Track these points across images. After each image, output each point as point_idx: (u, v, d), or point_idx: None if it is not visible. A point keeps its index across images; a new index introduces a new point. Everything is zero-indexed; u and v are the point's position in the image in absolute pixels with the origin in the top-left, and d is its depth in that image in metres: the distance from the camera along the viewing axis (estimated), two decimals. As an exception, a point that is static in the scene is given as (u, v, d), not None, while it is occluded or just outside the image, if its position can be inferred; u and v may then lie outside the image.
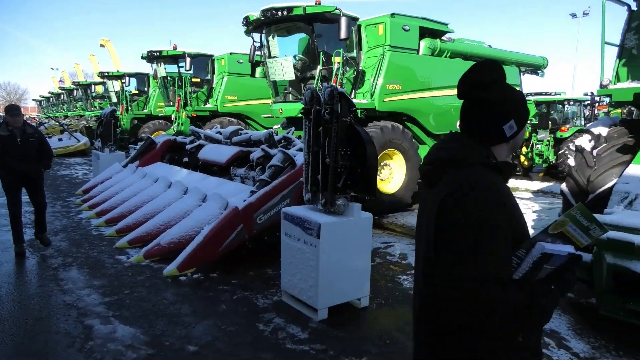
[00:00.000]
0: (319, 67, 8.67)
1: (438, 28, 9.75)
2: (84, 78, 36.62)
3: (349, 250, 4.15)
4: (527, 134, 13.45)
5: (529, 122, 13.81)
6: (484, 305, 1.21)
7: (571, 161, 5.51)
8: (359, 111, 8.36)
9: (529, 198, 11.11)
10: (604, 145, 5.30)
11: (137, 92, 20.09)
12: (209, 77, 15.27)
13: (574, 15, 38.07)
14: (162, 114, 16.88)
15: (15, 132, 5.62)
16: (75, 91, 28.91)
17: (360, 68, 9.02)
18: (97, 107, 24.45)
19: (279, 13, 8.46)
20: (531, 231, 6.41)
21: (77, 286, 4.75)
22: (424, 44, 9.56)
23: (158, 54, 14.46)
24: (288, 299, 4.42)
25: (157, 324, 3.94)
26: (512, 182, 12.53)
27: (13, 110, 5.69)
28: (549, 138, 14.25)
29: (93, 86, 25.66)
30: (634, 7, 5.54)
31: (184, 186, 7.29)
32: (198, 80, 14.91)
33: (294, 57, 9.53)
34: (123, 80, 19.18)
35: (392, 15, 8.86)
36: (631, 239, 3.67)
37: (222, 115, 14.35)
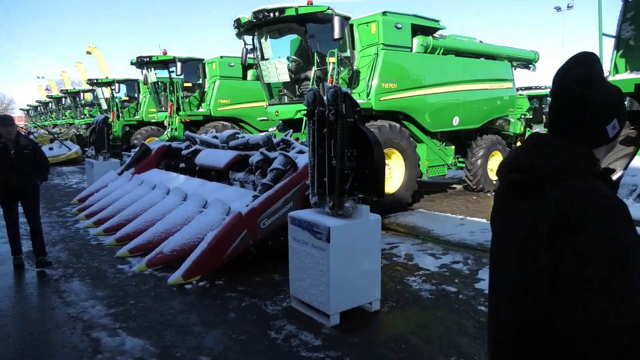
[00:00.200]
0: (314, 68, 8.61)
1: (430, 25, 9.74)
2: (71, 86, 36.22)
3: (359, 253, 4.09)
4: (522, 129, 13.46)
5: (522, 116, 13.86)
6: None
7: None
8: None
9: (527, 192, 11.13)
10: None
11: (127, 98, 19.91)
12: (200, 81, 15.15)
13: (558, 9, 38.50)
14: (154, 120, 16.73)
15: (8, 144, 5.39)
16: (63, 99, 28.58)
17: (354, 67, 8.98)
18: (87, 115, 24.18)
19: (271, 14, 8.40)
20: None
21: (80, 298, 4.65)
22: (417, 41, 9.55)
23: (148, 59, 14.32)
24: (298, 305, 4.36)
25: (166, 335, 3.85)
26: (508, 177, 12.56)
27: (5, 120, 5.48)
28: (543, 132, 14.30)
29: (82, 94, 25.38)
30: (629, -2, 5.56)
31: (183, 192, 7.20)
32: (190, 84, 14.79)
33: (287, 58, 9.46)
34: (113, 87, 18.99)
35: (384, 13, 8.83)
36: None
37: (215, 119, 14.25)
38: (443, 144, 10.47)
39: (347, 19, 8.74)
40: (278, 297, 4.66)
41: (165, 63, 14.31)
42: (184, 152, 9.09)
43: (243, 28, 9.10)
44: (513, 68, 12.15)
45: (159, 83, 15.24)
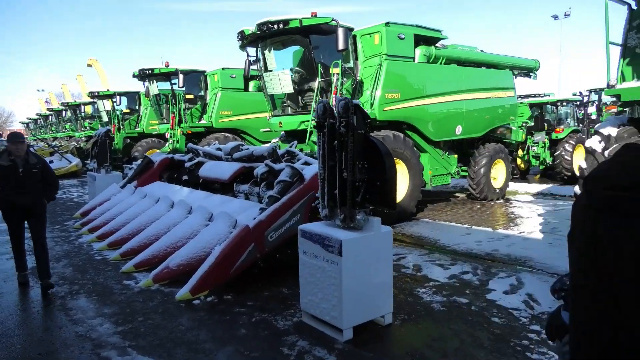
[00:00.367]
0: (318, 79, 8.62)
1: (432, 35, 9.78)
2: (71, 98, 36.30)
3: (371, 266, 4.04)
4: (523, 137, 13.47)
5: (524, 124, 13.88)
6: None
7: (583, 163, 5.49)
8: None
9: (531, 201, 11.11)
10: (615, 145, 5.29)
11: (128, 110, 19.91)
12: (202, 93, 15.17)
13: (555, 17, 38.78)
14: (155, 132, 16.72)
15: (16, 162, 5.24)
16: (64, 112, 28.61)
17: (358, 78, 8.99)
18: (88, 128, 24.19)
19: (275, 26, 8.42)
20: (540, 235, 6.33)
21: (87, 315, 4.57)
22: (420, 51, 9.58)
23: (150, 71, 14.34)
24: (309, 320, 4.29)
25: (177, 353, 3.78)
26: (511, 186, 12.54)
27: (15, 137, 5.36)
28: (545, 140, 14.32)
29: (82, 106, 25.40)
30: (634, 6, 5.57)
31: (187, 205, 7.14)
32: (191, 96, 14.81)
33: (290, 69, 9.47)
34: (114, 100, 19.01)
35: (387, 24, 8.86)
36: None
37: (217, 130, 14.25)
38: (446, 153, 10.46)
39: (351, 30, 8.77)
40: (288, 311, 4.60)
41: (167, 75, 14.34)
42: (187, 164, 9.05)
43: (247, 40, 9.12)
44: (514, 76, 12.19)
45: (161, 95, 15.25)
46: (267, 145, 9.75)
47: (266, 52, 9.39)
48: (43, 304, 5.02)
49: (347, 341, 3.88)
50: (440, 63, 9.97)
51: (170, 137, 14.27)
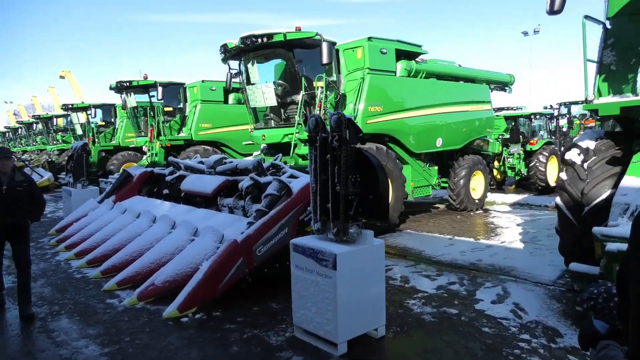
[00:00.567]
0: (302, 92, 8.66)
1: (413, 50, 9.99)
2: (42, 111, 35.34)
3: (365, 279, 4.04)
4: (499, 149, 13.82)
5: (500, 136, 14.25)
6: None
7: (563, 175, 5.65)
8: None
9: (509, 211, 11.36)
10: (593, 158, 5.47)
11: (103, 123, 19.52)
12: (181, 105, 15.01)
13: (525, 33, 40.17)
14: (133, 145, 16.41)
15: (1, 179, 4.91)
16: (34, 125, 27.78)
17: (340, 91, 9.07)
18: (60, 141, 23.54)
19: (259, 40, 8.44)
20: (521, 245, 6.47)
21: (71, 337, 4.40)
22: (401, 65, 9.76)
23: (128, 84, 14.13)
24: (302, 335, 4.24)
25: (168, 373, 3.68)
26: (488, 196, 12.79)
27: (1, 152, 5.03)
28: (520, 151, 14.72)
29: (54, 119, 24.75)
30: (608, 25, 5.83)
31: (171, 220, 7.00)
32: (170, 109, 14.64)
33: (274, 82, 9.49)
34: (89, 112, 18.61)
35: (370, 38, 9.00)
36: (642, 250, 3.74)
37: (196, 143, 14.10)
38: (427, 164, 10.62)
39: (334, 44, 8.87)
40: (279, 326, 4.54)
41: (145, 87, 14.14)
42: (168, 177, 8.92)
43: (230, 53, 9.11)
44: (490, 90, 12.54)
45: (139, 108, 15.02)
46: (250, 158, 9.72)
47: (249, 65, 9.38)
48: (21, 326, 4.80)
49: (341, 355, 3.86)
50: (420, 77, 10.18)
51: (148, 150, 14.03)
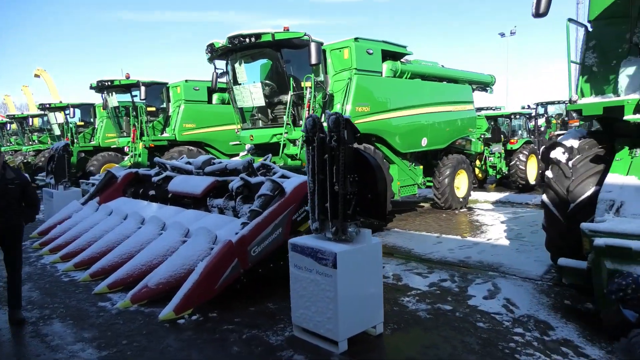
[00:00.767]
0: (290, 92, 8.67)
1: (398, 50, 10.11)
2: (15, 110, 34.35)
3: (364, 277, 4.10)
4: (481, 148, 14.10)
5: (481, 136, 14.54)
6: None
7: (549, 173, 5.82)
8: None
9: (492, 209, 11.61)
10: (578, 156, 5.66)
11: (82, 123, 19.10)
12: (164, 105, 14.82)
13: (502, 35, 41.00)
14: (114, 146, 16.12)
15: None
16: (8, 125, 26.97)
17: (328, 92, 9.12)
18: (36, 141, 22.93)
19: (247, 40, 8.42)
20: (507, 242, 6.62)
21: (66, 341, 4.33)
22: (387, 66, 9.87)
23: (109, 83, 13.87)
24: (301, 334, 4.27)
25: (169, 375, 3.66)
26: (471, 195, 13.03)
27: None
28: (501, 151, 15.04)
29: (30, 119, 24.08)
30: (589, 27, 6.04)
31: (160, 221, 6.93)
32: (153, 109, 14.44)
33: (261, 82, 9.47)
34: (67, 112, 18.17)
35: (356, 39, 9.08)
36: (628, 244, 3.88)
37: (180, 143, 13.94)
38: (413, 164, 10.77)
39: (321, 44, 8.90)
40: (278, 326, 4.56)
41: (127, 87, 13.91)
42: (155, 178, 8.80)
43: (217, 53, 9.05)
44: (472, 91, 12.78)
45: (120, 107, 14.76)
46: (237, 158, 9.68)
47: (236, 65, 9.34)
48: (12, 331, 4.69)
49: (342, 353, 3.91)
50: (406, 77, 10.31)
51: (130, 150, 13.81)
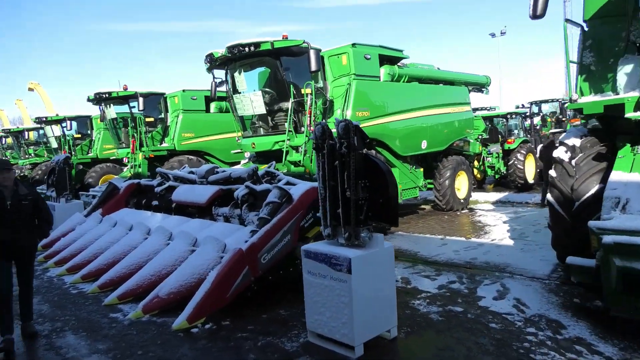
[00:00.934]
0: (291, 100, 8.72)
1: (395, 55, 10.21)
2: (9, 124, 34.21)
3: (378, 282, 4.14)
4: (479, 148, 14.21)
5: (479, 136, 14.65)
6: None
7: (552, 172, 5.90)
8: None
9: (493, 209, 11.69)
10: (580, 155, 5.74)
11: (79, 135, 19.07)
12: (162, 115, 14.83)
13: (492, 35, 41.29)
14: (113, 157, 16.11)
15: (4, 194, 4.55)
16: (3, 139, 26.86)
17: (328, 98, 9.19)
18: (32, 155, 22.87)
19: (246, 49, 8.48)
20: (511, 242, 6.68)
21: (81, 353, 4.33)
22: (384, 70, 9.96)
23: (107, 95, 13.87)
24: (316, 339, 4.30)
25: (188, 385, 3.67)
26: (471, 195, 13.12)
27: (1, 165, 4.66)
28: (499, 151, 15.16)
29: (26, 132, 24.02)
30: (585, 27, 6.14)
31: (167, 231, 6.94)
32: (151, 119, 14.44)
33: (261, 90, 9.52)
34: (64, 124, 18.14)
35: (354, 45, 9.17)
36: (637, 241, 3.94)
37: (180, 153, 13.95)
38: (413, 167, 10.84)
39: (319, 51, 8.97)
40: (292, 332, 4.58)
41: (125, 98, 13.92)
42: (157, 189, 8.80)
43: (216, 62, 9.10)
44: (469, 92, 12.90)
45: (118, 119, 14.76)
46: (240, 166, 9.70)
47: (235, 74, 9.39)
48: (26, 344, 4.68)
49: (358, 357, 3.93)
50: (403, 81, 10.40)
51: (130, 161, 13.81)
